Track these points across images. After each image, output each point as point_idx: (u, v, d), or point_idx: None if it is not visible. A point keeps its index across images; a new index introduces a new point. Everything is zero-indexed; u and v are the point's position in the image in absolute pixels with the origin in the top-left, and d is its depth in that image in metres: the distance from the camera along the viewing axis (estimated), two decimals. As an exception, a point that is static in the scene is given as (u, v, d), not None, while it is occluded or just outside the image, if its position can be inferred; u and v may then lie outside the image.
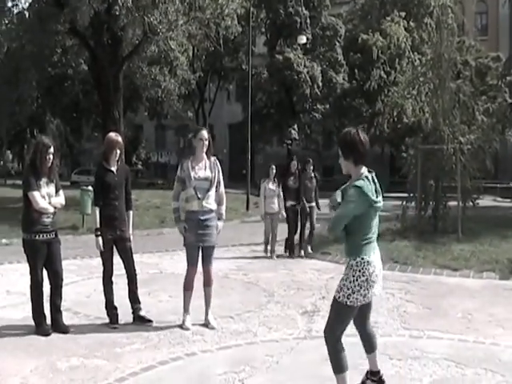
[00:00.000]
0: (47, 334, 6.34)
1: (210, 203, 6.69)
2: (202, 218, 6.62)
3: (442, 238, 13.29)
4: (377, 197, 4.30)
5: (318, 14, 41.94)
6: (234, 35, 23.83)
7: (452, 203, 14.41)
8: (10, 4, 22.72)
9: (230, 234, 15.76)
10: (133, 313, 6.95)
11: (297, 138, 41.69)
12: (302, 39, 35.58)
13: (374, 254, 4.37)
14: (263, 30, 43.37)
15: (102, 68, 21.28)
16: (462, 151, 14.04)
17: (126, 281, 6.97)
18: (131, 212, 7.04)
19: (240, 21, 24.29)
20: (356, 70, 38.25)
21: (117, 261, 6.91)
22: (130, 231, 7.00)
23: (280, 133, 41.24)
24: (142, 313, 6.95)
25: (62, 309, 6.66)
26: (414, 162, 14.74)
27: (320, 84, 39.35)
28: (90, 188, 13.84)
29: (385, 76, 35.05)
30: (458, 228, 13.43)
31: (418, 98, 15.46)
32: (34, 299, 6.50)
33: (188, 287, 6.80)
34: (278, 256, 12.34)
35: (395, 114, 16.19)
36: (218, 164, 6.84)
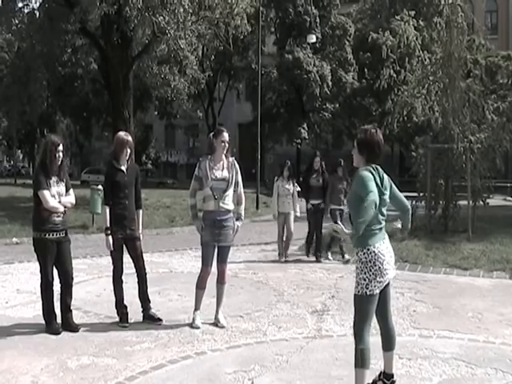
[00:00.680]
0: (57, 333, 6.37)
1: (227, 204, 6.69)
2: (218, 218, 6.63)
3: (452, 237, 13.25)
4: (383, 189, 4.43)
5: (328, 13, 41.84)
6: (244, 34, 23.84)
7: (462, 202, 14.37)
8: (20, 4, 22.87)
9: (240, 233, 15.69)
10: (143, 312, 6.96)
11: (306, 137, 41.63)
12: (312, 38, 35.52)
13: (383, 243, 4.48)
14: (273, 29, 43.32)
15: (112, 67, 21.34)
16: (472, 150, 14.00)
17: (136, 280, 6.98)
18: (141, 211, 7.06)
19: (249, 20, 24.33)
20: (366, 69, 38.18)
21: (127, 260, 6.93)
22: (140, 230, 7.01)
23: (290, 132, 41.19)
24: (152, 312, 6.97)
25: (72, 308, 6.68)
26: (423, 161, 14.71)
27: (330, 83, 39.27)
28: (99, 187, 13.89)
29: (394, 75, 34.92)
30: (468, 227, 13.39)
31: (427, 97, 15.43)
32: (45, 298, 6.52)
33: (201, 286, 6.82)
34: (286, 260, 11.67)
35: (405, 113, 16.16)
36: (237, 165, 6.84)
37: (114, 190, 6.75)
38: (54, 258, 6.45)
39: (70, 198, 6.61)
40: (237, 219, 6.88)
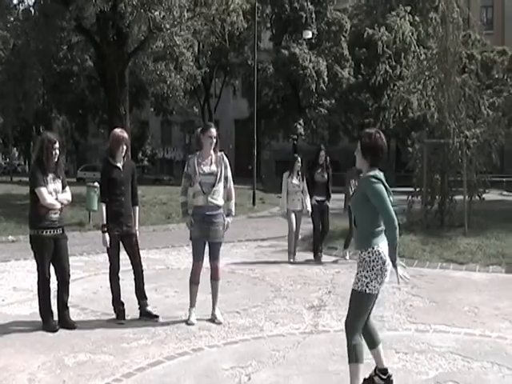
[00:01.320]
0: (54, 330, 6.37)
1: (217, 199, 6.68)
2: (207, 213, 6.63)
3: (448, 232, 13.28)
4: (388, 193, 4.48)
5: (324, 9, 41.80)
6: (240, 31, 23.80)
7: (458, 197, 14.38)
8: (15, 1, 22.80)
9: (237, 229, 15.78)
10: (139, 308, 6.97)
11: (303, 133, 41.63)
12: (308, 34, 35.55)
13: (385, 244, 4.49)
14: (269, 25, 43.27)
15: (107, 64, 21.29)
16: (467, 145, 14.02)
17: (133, 276, 6.99)
18: (137, 208, 7.06)
19: (245, 16, 24.28)
20: (361, 65, 38.18)
21: (123, 257, 6.94)
22: (137, 227, 7.01)
23: (286, 128, 41.18)
24: (149, 308, 6.98)
25: (69, 305, 6.69)
26: (419, 156, 14.71)
27: (326, 79, 39.26)
28: (96, 184, 13.89)
29: (390, 70, 35.02)
30: (464, 222, 13.42)
31: (423, 93, 15.44)
32: (41, 295, 6.53)
33: (194, 281, 6.83)
34: (294, 262, 11.08)
35: (401, 108, 16.17)
36: (226, 159, 6.84)
37: (111, 187, 6.75)
38: (50, 255, 6.45)
39: (67, 195, 6.60)
40: (227, 215, 6.87)
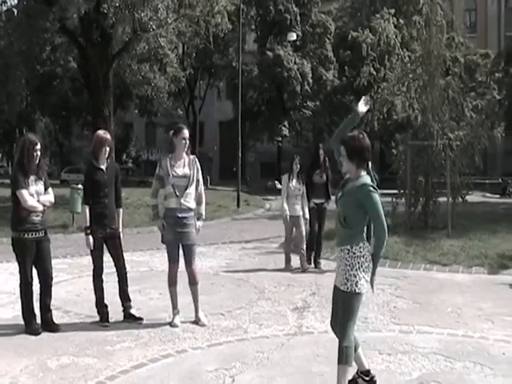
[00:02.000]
0: (37, 333, 6.32)
1: (189, 201, 6.67)
2: (180, 215, 6.61)
3: (431, 233, 13.35)
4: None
5: (308, 11, 41.95)
6: (224, 32, 23.81)
7: (442, 199, 14.48)
8: (-2, 2, 22.63)
9: (221, 231, 15.81)
10: (123, 311, 6.94)
11: (287, 135, 41.71)
12: (292, 36, 35.63)
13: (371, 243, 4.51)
14: (253, 27, 43.34)
15: (91, 66, 21.19)
16: (451, 147, 14.11)
17: (117, 279, 6.96)
18: (121, 210, 7.03)
19: (230, 18, 24.28)
20: (346, 67, 38.34)
21: (107, 259, 6.90)
22: (120, 229, 6.98)
23: (271, 130, 41.24)
24: (133, 311, 6.95)
25: (52, 307, 6.64)
26: (403, 158, 14.79)
27: (310, 81, 39.38)
28: (79, 186, 13.80)
29: (374, 73, 35.18)
30: (447, 224, 13.50)
31: (407, 95, 15.53)
32: (24, 298, 6.47)
33: (172, 283, 6.83)
34: (293, 268, 10.41)
35: (385, 110, 16.26)
36: (198, 162, 6.83)
37: (94, 188, 6.71)
38: (33, 257, 6.40)
39: (49, 197, 6.56)
40: (198, 219, 6.85)
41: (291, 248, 10.68)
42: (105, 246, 6.84)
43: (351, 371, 4.54)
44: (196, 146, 42.66)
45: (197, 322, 6.78)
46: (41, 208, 6.39)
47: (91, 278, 6.93)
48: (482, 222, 15.58)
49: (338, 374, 4.45)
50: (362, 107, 4.76)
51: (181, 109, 47.75)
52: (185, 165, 6.69)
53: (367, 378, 4.75)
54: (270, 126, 41.02)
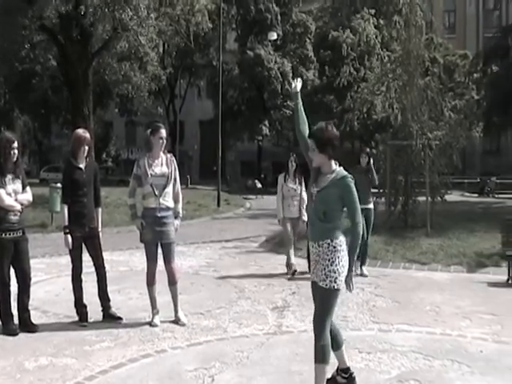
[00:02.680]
0: (15, 334, 6.26)
1: (167, 200, 6.67)
2: (159, 214, 6.60)
3: (411, 232, 13.44)
4: None
5: (289, 11, 42.00)
6: (205, 31, 23.81)
7: (421, 198, 14.58)
8: (-25, -2, 22.34)
9: (201, 230, 15.79)
10: (102, 311, 6.90)
11: (268, 134, 41.72)
12: (273, 36, 35.66)
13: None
14: (234, 26, 43.27)
15: (71, 64, 21.04)
16: (430, 147, 14.21)
17: (96, 278, 6.92)
18: (100, 209, 6.99)
19: (211, 17, 24.28)
20: (326, 67, 38.37)
21: (86, 258, 6.86)
22: (99, 228, 6.95)
23: (251, 129, 41.20)
24: (112, 310, 6.92)
25: (30, 308, 6.58)
26: (383, 157, 14.87)
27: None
28: (58, 185, 13.68)
29: (354, 72, 35.25)
30: (426, 223, 13.60)
31: (387, 95, 15.62)
32: (1, 298, 6.40)
33: (150, 282, 6.81)
34: (293, 273, 9.66)
35: (365, 110, 16.34)
36: (175, 161, 6.83)
37: (73, 188, 6.67)
38: (10, 257, 6.34)
39: (27, 196, 6.50)
40: (175, 217, 6.83)
41: (292, 251, 9.89)
42: (84, 246, 6.80)
43: (329, 369, 4.55)
44: (176, 145, 42.53)
45: (176, 321, 6.76)
46: (19, 207, 6.33)
47: (70, 278, 6.88)
48: (460, 221, 15.72)
49: (315, 372, 4.47)
50: (296, 87, 4.81)
51: (161, 108, 47.54)
52: (162, 163, 6.69)
53: (346, 376, 4.77)
54: (250, 125, 40.99)
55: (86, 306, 6.80)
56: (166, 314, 6.85)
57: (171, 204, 6.72)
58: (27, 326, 6.42)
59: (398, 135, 14.73)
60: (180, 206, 6.93)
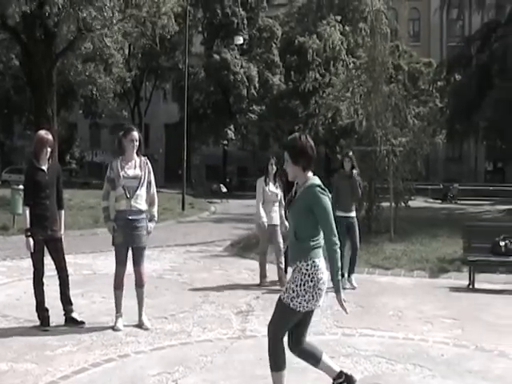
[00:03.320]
0: (-26, 338, 6.15)
1: (140, 203, 6.61)
2: (130, 217, 6.55)
3: (375, 238, 13.54)
4: None
5: (255, 16, 42.13)
6: (171, 34, 23.69)
7: (385, 204, 14.72)
8: None
9: (165, 234, 15.66)
10: (65, 315, 6.81)
11: (233, 138, 41.75)
12: (239, 40, 35.68)
13: (323, 260, 4.30)
14: (200, 29, 43.22)
15: (34, 64, 20.71)
16: (394, 153, 14.35)
17: (58, 282, 6.82)
18: (63, 211, 6.91)
19: (177, 19, 24.19)
20: (292, 72, 38.52)
21: (48, 262, 6.76)
22: (62, 231, 6.85)
23: (216, 133, 41.18)
24: (75, 314, 6.82)
25: (-11, 311, 6.47)
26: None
27: (257, 85, 39.52)
28: (21, 187, 13.46)
29: (320, 78, 35.49)
30: (390, 228, 13.73)
31: (352, 100, 15.72)
32: (-40, 302, 6.28)
33: (118, 286, 6.75)
34: (269, 283, 9.27)
35: (330, 115, 16.44)
36: (149, 164, 6.79)
37: (35, 190, 6.58)
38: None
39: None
40: (150, 220, 6.79)
41: (266, 261, 9.41)
42: (46, 249, 6.70)
43: (286, 375, 4.46)
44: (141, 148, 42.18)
45: (140, 325, 6.71)
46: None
47: (31, 282, 6.78)
48: (423, 226, 15.91)
49: (273, 382, 4.42)
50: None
51: (126, 110, 47.18)
52: (136, 166, 6.64)
53: (341, 380, 4.60)
54: (215, 128, 40.96)
55: (47, 310, 6.71)
56: (129, 318, 6.79)
57: (144, 207, 6.67)
58: (-14, 330, 6.30)
59: (363, 141, 14.84)
60: (155, 209, 6.89)
